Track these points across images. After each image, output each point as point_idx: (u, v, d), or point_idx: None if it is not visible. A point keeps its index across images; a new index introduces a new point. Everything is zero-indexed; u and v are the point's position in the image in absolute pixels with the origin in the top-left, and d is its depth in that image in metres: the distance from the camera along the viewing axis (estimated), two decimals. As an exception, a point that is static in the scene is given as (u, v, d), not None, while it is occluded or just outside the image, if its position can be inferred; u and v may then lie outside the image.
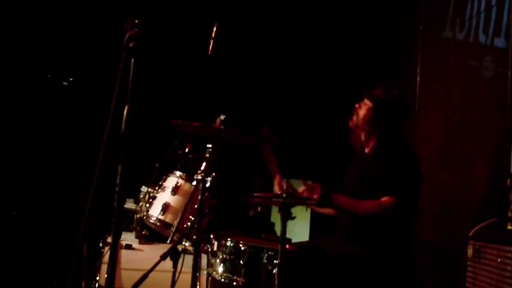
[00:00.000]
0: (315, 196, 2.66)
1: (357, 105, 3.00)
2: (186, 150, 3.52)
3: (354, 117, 3.00)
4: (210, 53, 3.52)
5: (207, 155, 2.97)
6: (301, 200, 2.72)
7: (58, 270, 4.10)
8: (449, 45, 4.09)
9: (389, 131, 2.92)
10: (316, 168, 5.22)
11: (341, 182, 3.11)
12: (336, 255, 2.79)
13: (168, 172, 3.50)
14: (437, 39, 4.27)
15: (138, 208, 3.48)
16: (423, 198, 2.89)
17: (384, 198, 2.69)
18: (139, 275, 2.68)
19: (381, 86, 3.00)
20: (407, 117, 3.04)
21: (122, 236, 3.53)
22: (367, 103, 2.96)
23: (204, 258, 2.96)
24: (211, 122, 2.98)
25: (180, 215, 3.17)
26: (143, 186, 3.53)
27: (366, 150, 3.03)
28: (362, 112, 2.96)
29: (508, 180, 2.88)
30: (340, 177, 3.15)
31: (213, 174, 2.97)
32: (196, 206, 2.94)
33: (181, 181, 3.40)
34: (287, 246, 2.53)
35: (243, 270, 2.63)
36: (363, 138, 3.02)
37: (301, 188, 2.79)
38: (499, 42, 3.49)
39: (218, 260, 2.73)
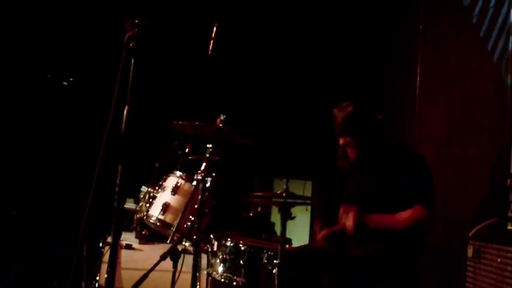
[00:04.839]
0: (349, 223, 2.68)
1: (340, 150, 2.87)
2: (186, 150, 3.53)
3: (349, 158, 2.87)
4: (210, 53, 3.52)
5: (207, 155, 2.98)
6: (301, 200, 2.71)
7: (58, 270, 4.10)
8: (450, 44, 4.08)
9: (376, 134, 2.84)
10: (317, 168, 5.23)
11: (344, 196, 3.05)
12: (337, 255, 2.78)
13: (168, 172, 3.50)
14: (437, 39, 4.26)
15: (138, 208, 3.49)
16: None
17: (416, 207, 2.66)
18: (139, 275, 2.68)
19: (335, 115, 2.86)
20: (378, 108, 2.93)
21: (122, 236, 3.53)
22: (346, 140, 2.85)
23: (204, 258, 2.97)
24: (212, 122, 2.99)
25: (180, 215, 3.17)
26: (143, 186, 3.53)
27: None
28: (351, 151, 2.85)
29: (508, 180, 2.88)
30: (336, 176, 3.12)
31: (213, 174, 2.98)
32: (196, 206, 2.94)
33: (181, 181, 3.40)
34: (287, 246, 2.53)
35: (243, 270, 2.64)
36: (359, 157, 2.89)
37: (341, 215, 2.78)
38: (500, 42, 3.49)
39: (218, 260, 2.73)
